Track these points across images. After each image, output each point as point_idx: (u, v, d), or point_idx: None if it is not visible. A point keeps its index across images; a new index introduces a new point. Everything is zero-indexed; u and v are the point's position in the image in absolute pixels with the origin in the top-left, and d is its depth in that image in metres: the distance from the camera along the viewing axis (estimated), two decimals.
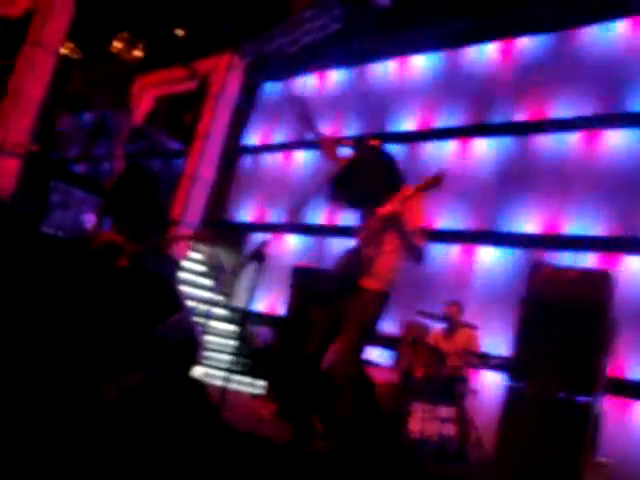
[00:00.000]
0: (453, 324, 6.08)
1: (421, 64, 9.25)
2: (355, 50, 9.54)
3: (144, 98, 11.34)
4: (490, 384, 6.44)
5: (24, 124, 7.98)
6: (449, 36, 8.59)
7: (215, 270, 9.64)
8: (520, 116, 7.86)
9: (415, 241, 3.71)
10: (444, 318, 6.09)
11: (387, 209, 3.66)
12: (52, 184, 7.98)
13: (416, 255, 3.77)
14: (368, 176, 3.79)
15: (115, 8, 10.17)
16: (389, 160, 3.87)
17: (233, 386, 7.41)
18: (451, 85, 8.69)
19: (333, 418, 3.58)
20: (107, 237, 4.94)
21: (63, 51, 9.80)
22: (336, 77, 10.39)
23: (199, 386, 2.98)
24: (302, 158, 10.42)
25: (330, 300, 3.86)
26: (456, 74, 8.72)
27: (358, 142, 4.09)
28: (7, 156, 7.67)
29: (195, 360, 7.94)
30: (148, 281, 7.47)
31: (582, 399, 4.87)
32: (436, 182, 3.58)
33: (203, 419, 2.45)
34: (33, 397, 2.62)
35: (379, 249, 3.76)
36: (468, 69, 8.63)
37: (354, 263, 3.79)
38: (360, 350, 3.71)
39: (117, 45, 11.27)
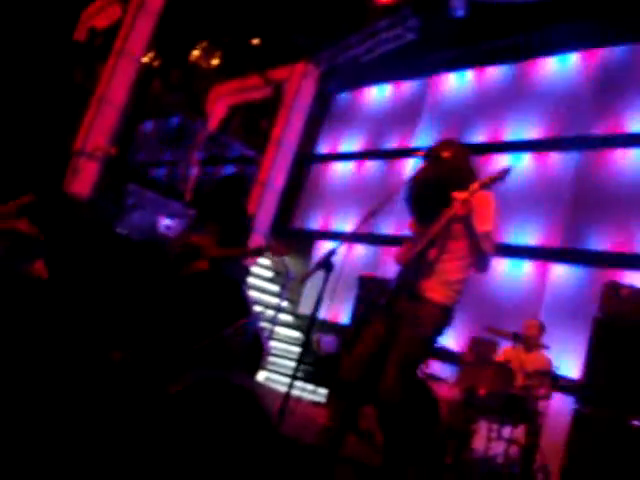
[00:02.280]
0: (531, 343, 5.87)
1: (495, 75, 9.09)
2: (429, 60, 9.47)
3: (219, 105, 11.60)
4: (558, 407, 6.22)
5: (105, 128, 8.31)
6: (524, 47, 8.40)
7: (281, 276, 9.74)
8: (597, 130, 7.59)
9: (483, 245, 3.35)
10: (517, 336, 5.86)
11: (460, 196, 3.28)
12: (128, 187, 8.25)
13: (482, 262, 3.41)
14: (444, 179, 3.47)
15: (195, 19, 10.46)
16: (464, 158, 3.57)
17: (295, 392, 7.45)
18: (525, 97, 8.48)
19: (388, 438, 3.32)
20: (193, 239, 5.08)
21: (145, 60, 10.17)
22: (409, 87, 10.34)
23: (256, 392, 3.00)
24: (372, 168, 10.41)
25: (383, 309, 3.49)
26: (530, 85, 8.52)
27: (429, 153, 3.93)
28: (88, 159, 8.00)
29: (259, 364, 8.07)
30: (221, 285, 7.64)
31: None
32: (501, 176, 3.29)
33: (256, 425, 2.46)
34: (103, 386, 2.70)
35: (444, 251, 3.42)
36: (542, 81, 8.41)
37: (413, 268, 3.42)
38: (415, 371, 3.42)
39: (196, 54, 11.59)
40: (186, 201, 9.81)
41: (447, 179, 3.45)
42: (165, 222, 8.72)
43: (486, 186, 3.32)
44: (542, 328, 5.95)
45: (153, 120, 12.55)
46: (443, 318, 3.39)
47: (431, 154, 3.57)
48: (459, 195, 3.30)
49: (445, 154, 3.54)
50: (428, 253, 3.40)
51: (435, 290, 3.37)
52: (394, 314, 3.40)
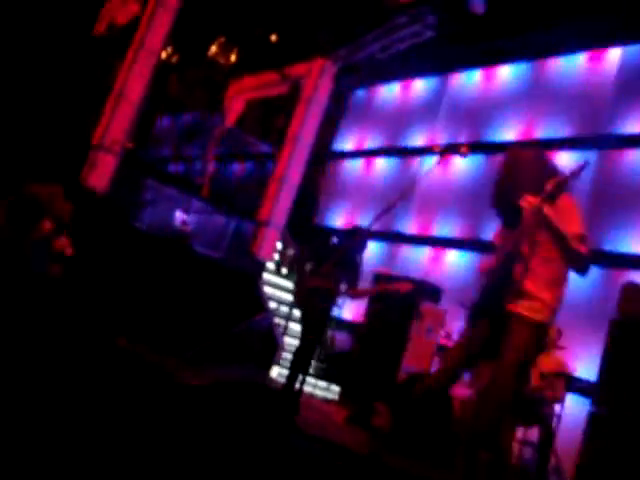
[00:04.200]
0: (549, 346, 5.82)
1: (513, 73, 9.02)
2: (447, 58, 9.41)
3: (237, 101, 11.61)
4: (573, 409, 6.16)
5: (123, 123, 8.35)
6: (543, 44, 8.31)
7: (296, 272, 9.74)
8: (615, 129, 7.49)
9: (573, 245, 3.09)
10: None
11: (530, 203, 3.08)
12: (145, 182, 8.29)
13: (578, 263, 3.14)
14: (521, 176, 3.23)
15: (212, 15, 10.48)
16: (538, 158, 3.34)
17: (308, 389, 7.45)
18: (544, 94, 8.40)
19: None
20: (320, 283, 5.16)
21: (163, 55, 10.21)
22: (427, 85, 10.29)
23: (273, 387, 3.00)
24: (389, 165, 10.38)
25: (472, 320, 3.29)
26: (549, 83, 8.43)
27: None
28: (105, 152, 8.04)
29: (273, 360, 8.08)
30: (236, 280, 7.65)
31: None
32: (575, 173, 3.07)
33: (274, 420, 2.47)
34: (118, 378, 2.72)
35: (535, 256, 3.13)
36: (563, 78, 8.32)
37: (503, 280, 3.15)
38: (512, 394, 3.12)
39: (214, 50, 11.61)
40: (203, 196, 9.84)
41: (517, 182, 3.24)
42: (182, 217, 8.75)
43: (560, 187, 3.10)
44: (560, 333, 5.91)
45: (171, 116, 12.60)
46: (540, 337, 3.18)
47: (505, 158, 3.38)
48: (529, 201, 3.12)
49: (515, 155, 3.38)
50: (517, 264, 3.14)
51: (531, 306, 3.11)
52: (479, 329, 3.21)
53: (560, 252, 3.13)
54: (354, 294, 5.51)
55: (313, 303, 5.07)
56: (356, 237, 5.33)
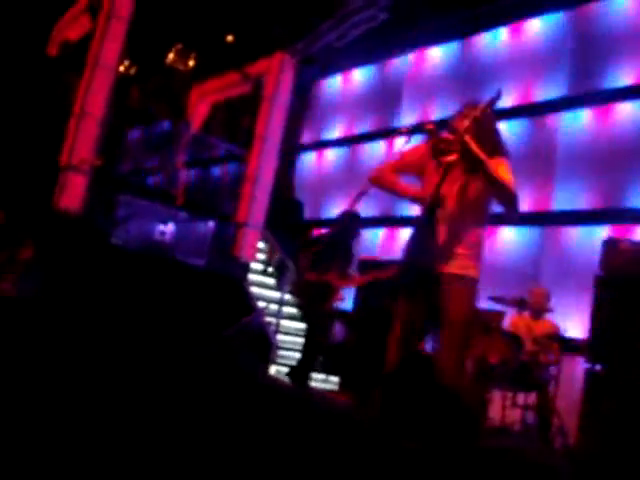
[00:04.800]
0: (539, 311, 5.87)
1: (476, 44, 9.04)
2: (403, 38, 9.41)
3: (201, 106, 11.53)
4: (570, 369, 6.23)
5: (89, 141, 8.26)
6: (502, 12, 8.34)
7: (279, 269, 9.73)
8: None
9: (501, 180, 3.08)
10: (523, 302, 5.85)
11: (461, 124, 3.04)
12: (118, 198, 8.22)
13: (507, 199, 3.13)
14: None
15: (166, 22, 10.39)
16: None
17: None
18: (509, 63, 8.41)
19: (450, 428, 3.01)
20: (323, 277, 5.12)
21: (121, 68, 10.10)
22: (387, 68, 10.29)
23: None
24: (359, 152, 10.40)
25: (402, 293, 3.21)
26: (514, 51, 8.44)
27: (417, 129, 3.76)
28: (74, 172, 7.95)
29: (269, 359, 8.07)
30: (222, 284, 7.60)
31: None
32: (494, 100, 3.10)
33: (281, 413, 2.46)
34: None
35: (463, 214, 3.13)
36: (523, 46, 8.34)
37: (428, 240, 3.10)
38: (465, 355, 3.18)
39: (171, 57, 11.52)
40: (179, 205, 9.77)
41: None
42: (160, 228, 8.69)
43: (482, 112, 3.08)
44: (548, 296, 5.98)
45: (137, 128, 12.49)
46: (476, 290, 3.22)
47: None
48: (459, 124, 3.07)
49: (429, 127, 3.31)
50: (443, 210, 3.10)
51: (464, 264, 3.16)
52: (423, 293, 3.17)
53: (484, 190, 3.11)
54: (345, 284, 5.47)
55: (313, 298, 5.03)
56: (346, 222, 5.30)
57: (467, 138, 3.03)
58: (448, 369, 3.08)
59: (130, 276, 7.03)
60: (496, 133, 3.32)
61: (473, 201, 3.18)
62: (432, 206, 3.07)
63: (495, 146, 3.24)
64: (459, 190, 3.17)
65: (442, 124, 3.47)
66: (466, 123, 3.06)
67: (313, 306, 5.13)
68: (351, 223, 5.34)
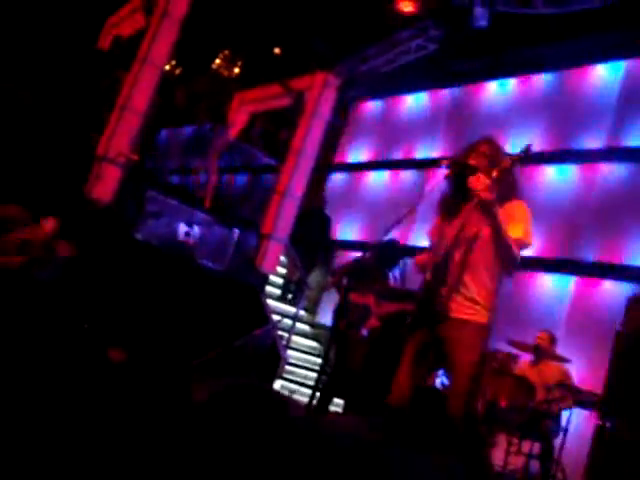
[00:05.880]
0: (541, 354, 5.81)
1: (517, 86, 9.05)
2: (451, 71, 9.44)
3: (241, 113, 11.63)
4: (579, 422, 6.12)
5: (128, 135, 8.36)
6: (547, 57, 8.34)
7: (296, 285, 9.73)
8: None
9: (513, 252, 3.10)
10: (537, 350, 5.80)
11: (480, 181, 3.05)
12: (148, 194, 8.28)
13: (509, 263, 3.15)
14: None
15: (217, 28, 10.53)
16: None
17: (313, 402, 7.39)
18: (544, 108, 8.41)
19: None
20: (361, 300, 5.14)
21: (167, 68, 10.24)
22: (432, 97, 10.32)
23: (279, 400, 2.96)
24: (392, 177, 10.40)
25: (417, 327, 3.21)
26: (562, 94, 8.42)
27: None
28: (109, 164, 8.05)
29: (276, 373, 8.03)
30: (239, 292, 7.60)
31: None
32: (523, 154, 3.09)
33: (280, 433, 2.43)
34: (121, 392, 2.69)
35: (474, 253, 3.12)
36: (576, 89, 8.31)
37: (443, 280, 3.12)
38: (473, 397, 3.15)
39: (218, 62, 11.66)
40: (206, 208, 9.83)
41: (467, 166, 3.21)
42: (184, 229, 8.74)
43: (506, 169, 3.11)
44: (553, 339, 5.92)
45: (175, 128, 12.63)
46: (487, 337, 3.21)
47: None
48: (479, 180, 3.08)
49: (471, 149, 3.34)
50: (453, 258, 3.13)
51: (475, 309, 3.14)
52: (432, 335, 3.17)
53: (495, 249, 3.12)
54: (381, 310, 5.36)
55: (352, 320, 4.96)
56: (386, 251, 5.23)
57: (490, 196, 3.06)
58: (454, 414, 3.07)
59: (149, 272, 7.07)
60: (515, 179, 3.32)
61: (486, 248, 3.18)
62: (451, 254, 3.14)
63: (510, 188, 3.25)
64: (473, 236, 3.18)
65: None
66: (494, 174, 3.10)
67: (350, 328, 5.06)
68: (391, 251, 5.29)
